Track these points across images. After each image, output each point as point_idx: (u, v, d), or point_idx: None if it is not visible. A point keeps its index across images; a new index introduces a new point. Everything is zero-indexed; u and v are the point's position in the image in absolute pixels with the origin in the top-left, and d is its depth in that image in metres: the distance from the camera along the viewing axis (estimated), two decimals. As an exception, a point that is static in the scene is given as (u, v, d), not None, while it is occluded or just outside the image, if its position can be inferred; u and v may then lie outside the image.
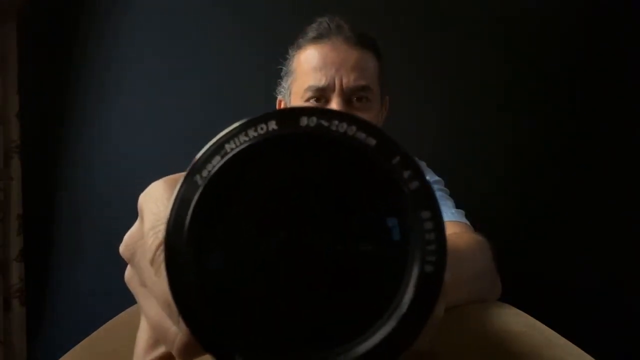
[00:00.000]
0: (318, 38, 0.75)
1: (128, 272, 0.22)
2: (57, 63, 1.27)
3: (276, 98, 0.86)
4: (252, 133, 0.17)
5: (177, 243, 0.17)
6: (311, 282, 0.18)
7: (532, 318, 0.53)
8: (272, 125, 0.17)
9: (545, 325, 0.51)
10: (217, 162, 0.17)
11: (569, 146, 1.23)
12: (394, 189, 0.17)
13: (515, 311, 0.56)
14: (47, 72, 1.28)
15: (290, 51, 0.81)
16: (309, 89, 0.73)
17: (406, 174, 0.17)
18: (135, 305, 0.58)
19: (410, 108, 1.19)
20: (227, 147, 0.17)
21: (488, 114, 1.23)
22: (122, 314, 0.55)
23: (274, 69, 0.85)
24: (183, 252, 0.17)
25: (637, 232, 1.20)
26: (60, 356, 0.42)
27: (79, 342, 0.46)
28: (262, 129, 0.17)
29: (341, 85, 0.71)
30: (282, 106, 0.84)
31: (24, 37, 1.23)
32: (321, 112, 0.18)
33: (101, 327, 0.50)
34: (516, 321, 0.52)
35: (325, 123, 0.17)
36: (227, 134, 0.17)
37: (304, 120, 0.17)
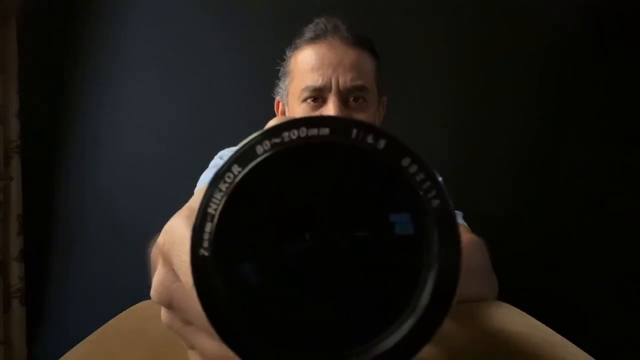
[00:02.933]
0: (315, 38, 0.75)
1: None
2: (57, 62, 1.27)
3: (274, 99, 0.86)
4: (236, 169, 0.18)
5: (203, 259, 0.18)
6: (333, 283, 0.19)
7: (532, 318, 0.53)
8: (266, 145, 0.18)
9: (545, 325, 0.51)
10: (234, 178, 0.18)
11: (568, 146, 1.23)
12: (403, 184, 0.18)
13: (515, 311, 0.56)
14: (47, 71, 1.27)
15: (287, 52, 0.80)
16: (306, 89, 0.73)
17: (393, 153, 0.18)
18: (135, 306, 0.58)
19: (410, 108, 1.19)
20: (227, 177, 0.18)
21: (487, 114, 1.23)
22: (122, 314, 0.55)
23: (273, 70, 0.85)
24: (210, 266, 0.17)
25: (637, 232, 1.20)
26: (60, 356, 0.42)
27: (79, 342, 0.46)
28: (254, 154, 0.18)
29: (338, 85, 0.71)
30: (280, 107, 0.84)
31: (24, 37, 1.23)
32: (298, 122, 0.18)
33: (101, 328, 0.50)
34: (516, 321, 0.52)
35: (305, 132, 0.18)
36: (222, 167, 0.18)
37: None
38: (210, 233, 0.18)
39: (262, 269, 0.19)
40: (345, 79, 0.71)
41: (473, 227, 0.72)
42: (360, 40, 0.75)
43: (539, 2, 1.23)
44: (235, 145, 0.18)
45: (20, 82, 1.21)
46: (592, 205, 1.21)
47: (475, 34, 1.24)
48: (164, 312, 0.22)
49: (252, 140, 0.18)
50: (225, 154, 0.83)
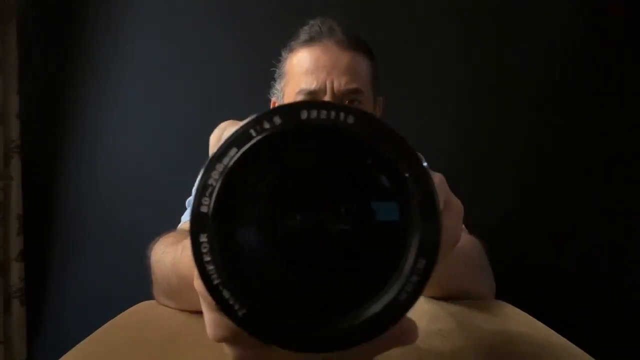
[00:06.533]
0: (309, 41, 0.75)
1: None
2: (57, 63, 1.27)
3: (270, 100, 0.86)
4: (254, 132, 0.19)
5: (202, 234, 0.19)
6: (323, 258, 0.21)
7: (532, 318, 0.53)
8: (277, 119, 0.19)
9: (545, 325, 0.51)
10: (232, 155, 0.19)
11: (567, 146, 1.22)
12: (390, 171, 0.19)
13: (515, 311, 0.56)
14: (47, 72, 1.27)
15: (283, 53, 0.80)
16: (300, 92, 0.72)
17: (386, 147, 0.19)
18: (135, 306, 0.58)
19: (412, 108, 1.19)
20: (233, 150, 0.19)
21: (493, 114, 1.23)
22: (122, 314, 0.55)
23: (270, 71, 0.85)
24: (208, 239, 0.19)
25: (638, 232, 1.20)
26: (60, 356, 0.42)
27: (79, 342, 0.46)
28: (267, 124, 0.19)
29: (332, 88, 0.71)
30: None
31: (24, 37, 1.23)
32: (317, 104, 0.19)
33: (101, 328, 0.50)
34: (516, 321, 0.52)
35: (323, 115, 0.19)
36: (235, 132, 0.19)
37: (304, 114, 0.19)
38: (209, 208, 0.19)
39: (257, 246, 0.20)
40: (339, 83, 0.71)
41: (477, 226, 0.72)
42: (355, 42, 0.75)
43: (545, 1, 1.23)
44: None
45: (20, 82, 1.21)
46: (594, 205, 1.21)
47: (480, 31, 1.23)
48: (229, 348, 0.22)
49: (246, 124, 0.19)
50: None
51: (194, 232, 0.19)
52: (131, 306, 0.58)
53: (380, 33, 1.17)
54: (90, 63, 1.27)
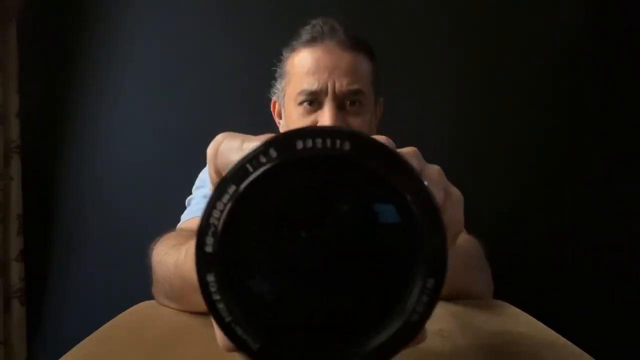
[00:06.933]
0: (311, 41, 0.74)
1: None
2: (57, 63, 1.27)
3: (271, 99, 0.86)
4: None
5: (209, 274, 0.19)
6: (331, 278, 0.20)
7: (532, 318, 0.53)
8: (273, 153, 0.19)
9: (545, 325, 0.51)
10: (232, 193, 0.19)
11: (567, 146, 1.22)
12: (391, 192, 0.19)
13: (515, 311, 0.56)
14: (47, 72, 1.27)
15: (284, 53, 0.80)
16: (302, 92, 0.72)
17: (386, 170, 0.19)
18: (135, 306, 0.58)
19: (413, 107, 1.19)
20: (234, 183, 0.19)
21: (486, 114, 1.23)
22: (122, 314, 0.55)
23: (270, 71, 0.85)
24: (215, 279, 0.19)
25: (638, 232, 1.20)
26: (60, 356, 0.42)
27: (79, 342, 0.46)
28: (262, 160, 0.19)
29: (334, 89, 0.71)
30: (277, 107, 0.84)
31: (24, 37, 1.23)
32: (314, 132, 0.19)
33: (101, 328, 0.50)
34: (516, 321, 0.52)
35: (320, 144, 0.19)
36: (231, 169, 0.19)
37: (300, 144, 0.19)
38: (214, 239, 0.19)
39: (265, 277, 0.20)
40: (341, 84, 0.71)
41: (477, 226, 0.72)
42: (356, 42, 0.75)
43: (545, 1, 1.23)
44: None
45: (20, 82, 1.21)
46: (594, 205, 1.21)
47: (480, 31, 1.23)
48: (240, 357, 0.22)
49: (242, 159, 0.19)
50: None
51: (201, 272, 0.19)
52: (131, 306, 0.58)
53: (380, 33, 1.17)
54: (90, 63, 1.27)
